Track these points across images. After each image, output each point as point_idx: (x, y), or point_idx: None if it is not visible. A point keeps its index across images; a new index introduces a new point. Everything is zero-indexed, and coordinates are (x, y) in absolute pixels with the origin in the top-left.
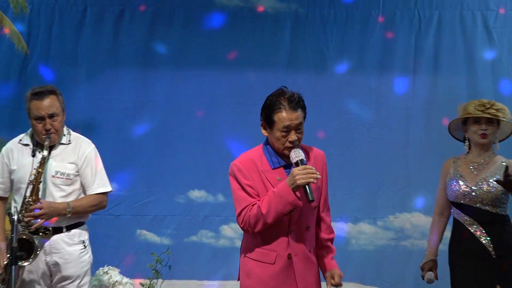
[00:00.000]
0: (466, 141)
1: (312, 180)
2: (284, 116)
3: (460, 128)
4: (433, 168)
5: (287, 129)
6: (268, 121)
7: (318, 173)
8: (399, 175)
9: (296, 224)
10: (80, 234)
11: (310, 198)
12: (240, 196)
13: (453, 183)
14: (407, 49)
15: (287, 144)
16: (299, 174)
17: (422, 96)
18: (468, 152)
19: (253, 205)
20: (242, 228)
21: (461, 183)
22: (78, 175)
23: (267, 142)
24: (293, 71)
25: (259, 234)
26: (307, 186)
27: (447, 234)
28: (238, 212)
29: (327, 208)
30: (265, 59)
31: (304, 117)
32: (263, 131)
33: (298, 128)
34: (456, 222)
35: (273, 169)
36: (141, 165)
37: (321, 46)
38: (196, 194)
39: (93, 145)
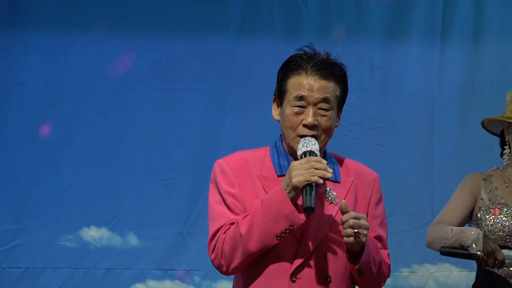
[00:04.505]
0: (506, 147)
1: (315, 178)
2: (302, 82)
3: (501, 124)
4: None
5: (302, 104)
6: (280, 90)
7: (330, 170)
8: (419, 204)
9: (308, 267)
10: None
11: (307, 204)
12: (215, 212)
13: (491, 217)
14: (432, 4)
15: (300, 129)
16: (298, 169)
17: (455, 77)
18: (508, 164)
19: (232, 223)
20: (214, 263)
21: (505, 216)
22: None
23: (280, 140)
24: (249, 38)
25: (244, 280)
26: (307, 188)
27: None
28: (210, 236)
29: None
30: (207, 21)
31: (342, 96)
32: (274, 113)
33: (321, 107)
34: (487, 274)
35: (279, 176)
36: (2, 188)
37: None
38: (93, 233)
39: None
